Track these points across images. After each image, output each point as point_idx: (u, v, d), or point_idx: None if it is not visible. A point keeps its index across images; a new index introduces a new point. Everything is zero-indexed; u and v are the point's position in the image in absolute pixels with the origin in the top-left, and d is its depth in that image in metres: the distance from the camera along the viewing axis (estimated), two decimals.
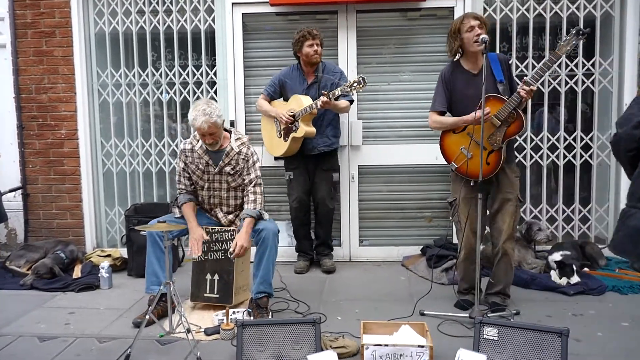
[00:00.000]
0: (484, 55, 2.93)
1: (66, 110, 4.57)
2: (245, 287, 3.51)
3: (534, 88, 2.95)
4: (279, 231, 3.21)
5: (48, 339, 3.01)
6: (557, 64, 3.02)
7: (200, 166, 3.30)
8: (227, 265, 3.31)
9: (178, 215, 3.38)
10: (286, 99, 4.10)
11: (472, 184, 3.16)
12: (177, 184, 3.42)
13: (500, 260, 3.26)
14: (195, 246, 3.20)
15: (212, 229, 3.34)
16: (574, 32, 2.86)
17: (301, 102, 3.89)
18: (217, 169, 3.28)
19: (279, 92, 4.14)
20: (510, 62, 3.28)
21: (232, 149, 3.28)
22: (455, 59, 3.27)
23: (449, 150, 3.26)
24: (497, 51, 4.32)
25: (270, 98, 4.14)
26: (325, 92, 3.73)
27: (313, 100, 3.87)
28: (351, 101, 4.02)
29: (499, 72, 3.11)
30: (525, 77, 2.98)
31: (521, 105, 3.07)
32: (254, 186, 3.30)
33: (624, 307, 3.39)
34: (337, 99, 3.81)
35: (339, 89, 3.73)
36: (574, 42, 2.86)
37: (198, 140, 3.28)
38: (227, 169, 3.28)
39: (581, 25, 4.22)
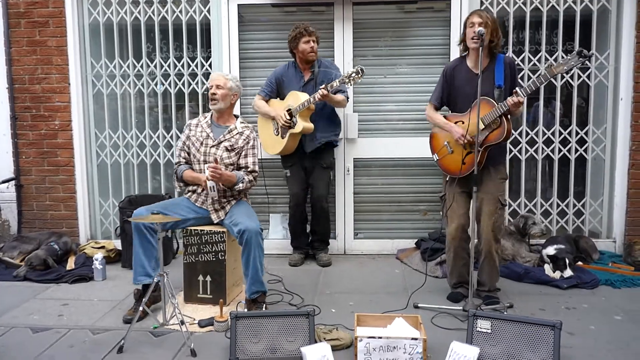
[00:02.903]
0: (480, 51, 2.94)
1: (60, 101, 4.53)
2: (239, 282, 3.51)
3: (522, 100, 2.95)
4: (262, 230, 3.16)
5: (41, 331, 3.00)
6: (549, 80, 3.02)
7: (201, 138, 3.37)
8: (218, 266, 3.30)
9: (179, 189, 3.54)
10: (283, 98, 4.06)
11: (447, 178, 3.26)
12: (176, 158, 3.53)
13: (484, 261, 3.28)
14: (208, 184, 3.17)
15: (201, 230, 3.31)
16: (575, 52, 2.82)
17: (299, 98, 3.86)
18: (215, 141, 3.34)
19: (276, 90, 4.11)
20: (515, 66, 3.26)
21: (236, 127, 3.40)
22: (462, 55, 3.28)
23: (435, 142, 3.34)
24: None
25: (268, 98, 4.11)
26: (324, 85, 3.71)
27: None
28: (347, 97, 4.00)
29: (500, 75, 3.10)
30: (517, 88, 2.98)
31: (513, 115, 3.08)
32: (249, 173, 3.34)
33: (617, 300, 3.41)
34: (334, 92, 3.79)
35: (337, 80, 3.70)
36: (572, 62, 2.82)
37: (205, 117, 3.47)
38: (226, 143, 3.33)
39: (578, 19, 4.22)
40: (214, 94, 3.34)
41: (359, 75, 3.60)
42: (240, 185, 3.28)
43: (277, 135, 4.01)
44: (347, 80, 3.64)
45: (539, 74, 2.95)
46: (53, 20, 4.46)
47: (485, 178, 3.19)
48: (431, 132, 3.38)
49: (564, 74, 4.27)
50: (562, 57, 2.90)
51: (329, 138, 4.06)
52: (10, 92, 4.55)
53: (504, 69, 3.12)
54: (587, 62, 4.23)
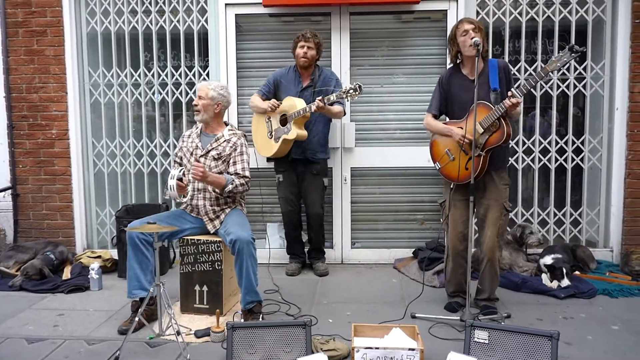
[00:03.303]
0: (477, 58, 2.96)
1: (57, 110, 4.53)
2: (236, 292, 3.49)
3: (520, 100, 2.97)
4: (254, 239, 3.14)
5: (36, 341, 2.98)
6: (544, 79, 3.05)
7: (191, 149, 3.41)
8: (215, 276, 3.28)
9: (167, 197, 3.58)
10: (279, 100, 4.07)
11: (451, 186, 3.24)
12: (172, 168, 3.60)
13: (485, 269, 3.28)
14: (169, 182, 3.08)
15: (198, 240, 3.31)
16: (567, 48, 2.83)
17: (294, 103, 3.87)
18: (203, 151, 3.35)
19: (274, 92, 4.12)
20: (510, 68, 3.28)
21: (223, 135, 3.39)
22: (456, 63, 3.29)
23: (436, 150, 3.33)
24: (490, 55, 4.33)
25: (265, 98, 4.12)
26: (321, 97, 3.72)
27: (307, 103, 3.86)
28: (344, 110, 4.00)
29: (494, 79, 3.11)
30: (512, 89, 3.00)
31: (512, 117, 3.09)
32: (239, 178, 3.30)
33: (614, 310, 3.40)
34: (331, 104, 3.80)
35: (334, 94, 3.70)
36: (565, 59, 2.84)
37: (197, 127, 3.49)
38: (213, 152, 3.34)
39: (573, 29, 4.25)
40: (195, 105, 3.37)
41: (357, 93, 3.59)
42: (230, 186, 3.25)
43: (271, 138, 4.02)
44: (344, 96, 3.65)
45: (534, 73, 2.95)
46: (51, 29, 4.46)
47: (489, 185, 3.20)
48: (431, 140, 3.38)
49: (560, 83, 4.30)
50: (555, 55, 2.90)
51: (313, 154, 4.04)
52: (8, 101, 4.54)
53: (499, 73, 3.14)
54: (580, 68, 4.27)
